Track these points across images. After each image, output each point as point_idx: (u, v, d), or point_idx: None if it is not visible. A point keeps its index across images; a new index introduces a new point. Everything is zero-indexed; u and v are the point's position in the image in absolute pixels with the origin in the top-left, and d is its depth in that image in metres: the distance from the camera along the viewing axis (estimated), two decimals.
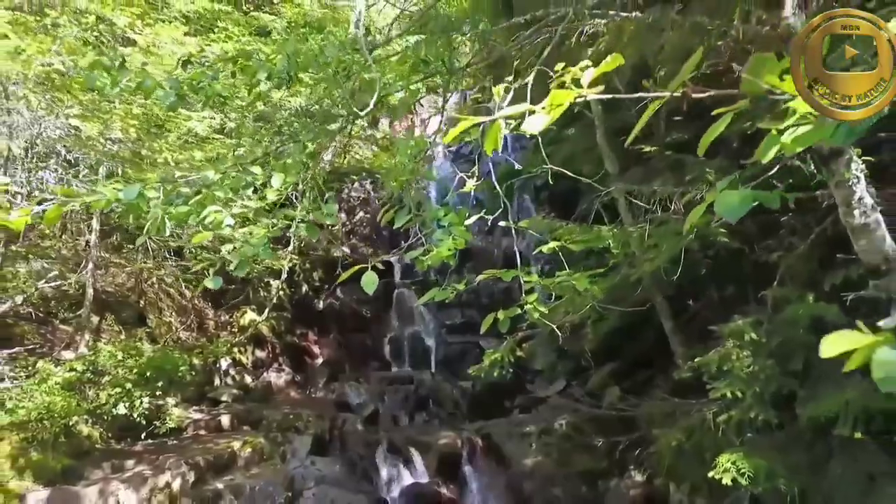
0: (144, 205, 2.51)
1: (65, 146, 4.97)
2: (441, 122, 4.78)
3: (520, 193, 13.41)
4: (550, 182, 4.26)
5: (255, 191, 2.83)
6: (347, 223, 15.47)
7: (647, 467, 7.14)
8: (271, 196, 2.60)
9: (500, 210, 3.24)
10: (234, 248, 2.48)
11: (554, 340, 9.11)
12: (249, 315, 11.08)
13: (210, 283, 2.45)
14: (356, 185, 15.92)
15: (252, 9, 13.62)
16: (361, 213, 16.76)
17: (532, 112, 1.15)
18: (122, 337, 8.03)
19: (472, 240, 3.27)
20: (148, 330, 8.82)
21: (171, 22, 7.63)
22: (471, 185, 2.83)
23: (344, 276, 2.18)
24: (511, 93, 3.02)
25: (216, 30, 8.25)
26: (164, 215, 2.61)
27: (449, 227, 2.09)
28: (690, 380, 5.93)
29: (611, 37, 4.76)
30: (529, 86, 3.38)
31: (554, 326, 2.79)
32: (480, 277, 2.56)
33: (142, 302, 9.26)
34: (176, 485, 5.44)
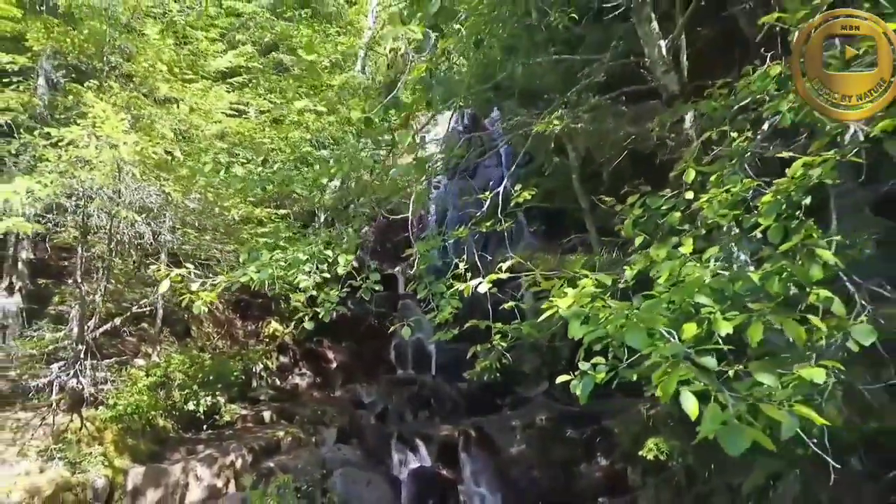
0: (265, 275, 4.16)
1: (156, 206, 6.58)
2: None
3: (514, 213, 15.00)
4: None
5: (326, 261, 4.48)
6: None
7: (609, 453, 8.74)
8: (340, 270, 4.24)
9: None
10: (320, 302, 4.12)
11: (539, 349, 10.74)
12: (273, 325, 12.68)
13: (308, 325, 4.08)
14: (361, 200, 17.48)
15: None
16: (367, 228, 18.31)
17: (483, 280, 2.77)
18: (176, 346, 9.65)
19: (474, 236, 4.71)
20: (193, 340, 10.44)
21: (215, 83, 9.25)
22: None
23: (392, 328, 3.79)
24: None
25: (253, 88, 9.86)
26: (269, 280, 4.27)
27: (448, 299, 3.71)
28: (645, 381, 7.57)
29: (568, 127, 6.42)
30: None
31: (507, 356, 4.40)
32: (466, 325, 4.17)
33: (186, 316, 10.87)
34: (238, 463, 7.09)
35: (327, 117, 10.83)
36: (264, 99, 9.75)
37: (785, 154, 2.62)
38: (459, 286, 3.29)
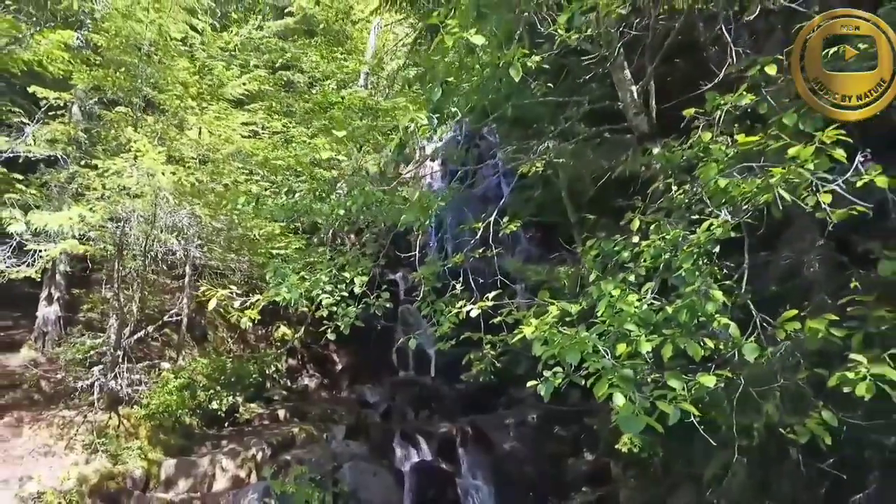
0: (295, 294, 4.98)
1: (188, 226, 7.39)
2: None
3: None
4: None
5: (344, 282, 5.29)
6: (356, 244, 17.73)
7: (594, 448, 9.54)
8: (357, 290, 5.05)
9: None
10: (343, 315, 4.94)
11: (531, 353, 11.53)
12: (282, 329, 13.46)
13: (331, 335, 4.90)
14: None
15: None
16: (368, 234, 19.02)
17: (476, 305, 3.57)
18: (196, 350, 10.45)
19: (469, 260, 5.45)
20: (210, 344, 11.25)
21: (233, 108, 10.04)
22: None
23: (401, 341, 4.58)
24: None
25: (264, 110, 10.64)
26: (297, 298, 5.09)
27: (447, 316, 4.53)
28: None
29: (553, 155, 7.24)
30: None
31: (498, 362, 5.22)
32: (461, 337, 4.99)
33: (203, 321, 11.68)
34: (259, 456, 7.91)
35: (334, 133, 11.56)
36: (276, 121, 10.54)
37: (697, 215, 3.43)
38: (455, 310, 4.10)
